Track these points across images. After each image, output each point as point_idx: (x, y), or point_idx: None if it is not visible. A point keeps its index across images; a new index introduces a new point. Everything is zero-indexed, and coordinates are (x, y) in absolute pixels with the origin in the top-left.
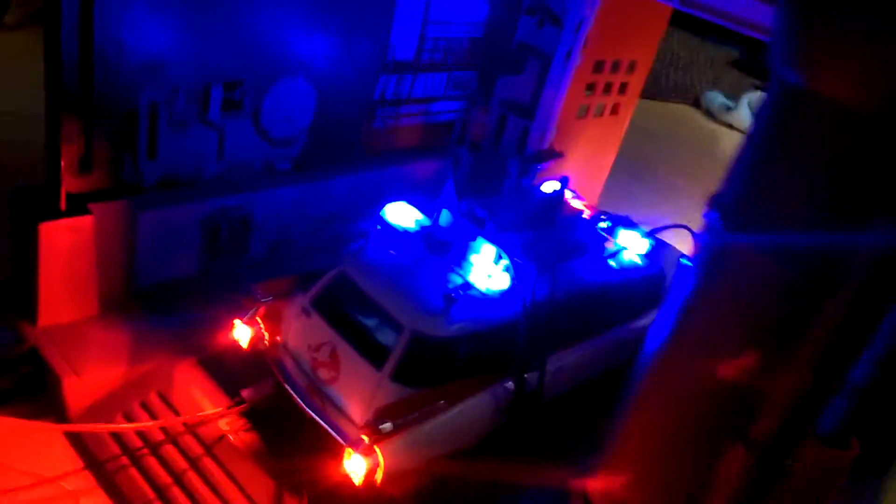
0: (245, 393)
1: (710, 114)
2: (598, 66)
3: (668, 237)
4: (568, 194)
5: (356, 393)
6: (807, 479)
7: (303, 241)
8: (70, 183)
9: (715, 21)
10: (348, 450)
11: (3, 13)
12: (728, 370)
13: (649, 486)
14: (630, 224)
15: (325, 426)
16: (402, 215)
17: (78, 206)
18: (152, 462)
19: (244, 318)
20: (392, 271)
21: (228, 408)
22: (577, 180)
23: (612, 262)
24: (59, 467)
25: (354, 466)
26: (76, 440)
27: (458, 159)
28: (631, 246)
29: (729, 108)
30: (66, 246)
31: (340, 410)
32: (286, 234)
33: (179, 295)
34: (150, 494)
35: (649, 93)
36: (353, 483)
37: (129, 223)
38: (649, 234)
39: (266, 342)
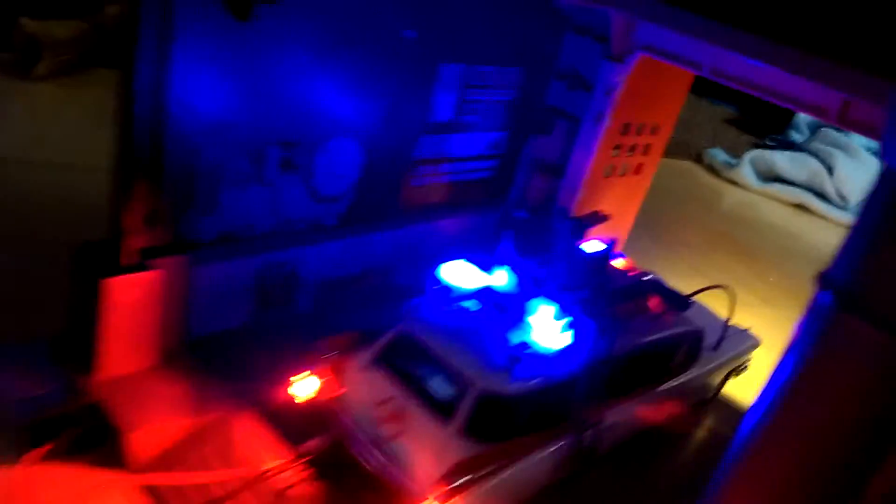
0: (305, 447)
1: (712, 170)
2: (626, 129)
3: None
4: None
5: (423, 448)
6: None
7: (345, 295)
8: (134, 239)
9: (738, 89)
10: (423, 503)
11: (34, 63)
12: (846, 431)
13: None
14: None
15: (393, 480)
16: (458, 274)
17: (141, 261)
18: None
19: (305, 373)
20: (454, 330)
21: (294, 459)
22: (600, 238)
23: (659, 322)
24: None
25: None
26: (153, 493)
27: (513, 221)
28: (675, 305)
29: (731, 165)
30: (129, 300)
31: (405, 465)
32: (330, 287)
33: (231, 346)
34: None
35: None
36: None
37: (187, 277)
38: (689, 297)
39: (328, 397)
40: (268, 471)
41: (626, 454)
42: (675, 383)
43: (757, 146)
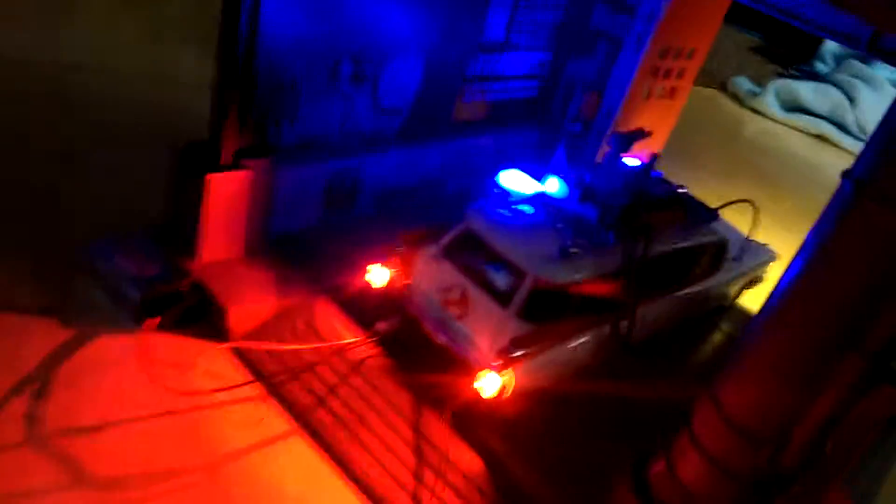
0: (379, 325)
1: (736, 98)
2: (664, 53)
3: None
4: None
5: (485, 326)
6: (867, 409)
7: (401, 203)
8: (230, 142)
9: (772, 14)
10: (484, 370)
11: None
12: (852, 292)
13: (774, 397)
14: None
15: (459, 352)
16: (515, 181)
17: (236, 161)
18: (308, 377)
19: (382, 262)
20: (511, 228)
21: (367, 336)
22: (640, 154)
23: (688, 231)
24: (234, 379)
25: (489, 384)
26: (243, 359)
27: (569, 134)
28: (701, 217)
29: (755, 94)
30: (227, 195)
31: (469, 341)
32: (388, 194)
33: (303, 242)
34: (312, 402)
35: None
36: (484, 399)
37: (271, 178)
38: (716, 209)
39: (399, 285)
40: (347, 344)
41: (654, 348)
42: (700, 287)
43: (782, 76)
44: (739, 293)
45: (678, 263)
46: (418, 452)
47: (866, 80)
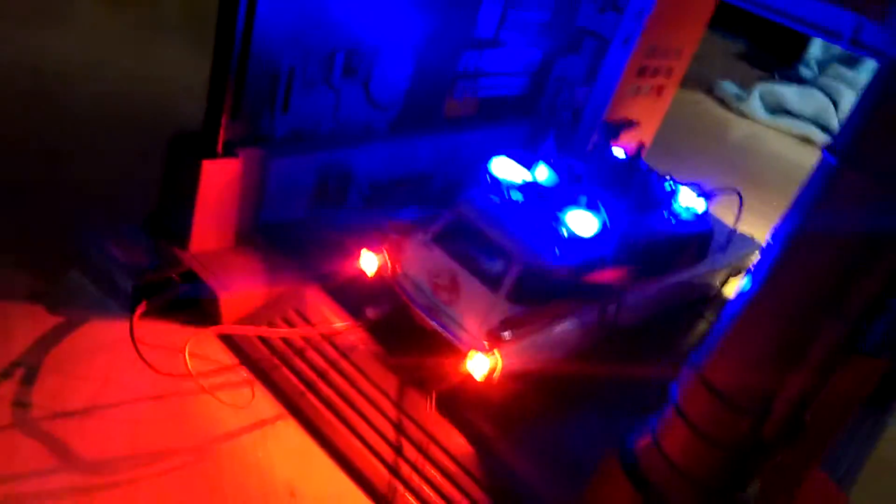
0: (369, 311)
1: (723, 102)
2: (651, 51)
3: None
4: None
5: (475, 310)
6: (847, 385)
7: (391, 195)
8: (223, 132)
9: (758, 13)
10: (472, 352)
11: None
12: (835, 265)
13: (756, 369)
14: (696, 187)
15: (448, 335)
16: (505, 169)
17: (228, 150)
18: (298, 363)
19: (371, 249)
20: (501, 215)
21: (356, 322)
22: (627, 145)
23: (672, 219)
24: (224, 364)
25: (477, 366)
26: (233, 345)
27: (559, 124)
28: (689, 205)
29: (741, 98)
30: (219, 183)
31: (459, 324)
32: (378, 187)
33: (293, 232)
34: (301, 387)
35: None
36: (472, 381)
37: (262, 168)
38: (706, 196)
39: (390, 270)
40: (337, 330)
41: (640, 333)
42: (686, 275)
43: (765, 80)
44: (725, 282)
45: (663, 251)
46: (406, 435)
47: (850, 84)
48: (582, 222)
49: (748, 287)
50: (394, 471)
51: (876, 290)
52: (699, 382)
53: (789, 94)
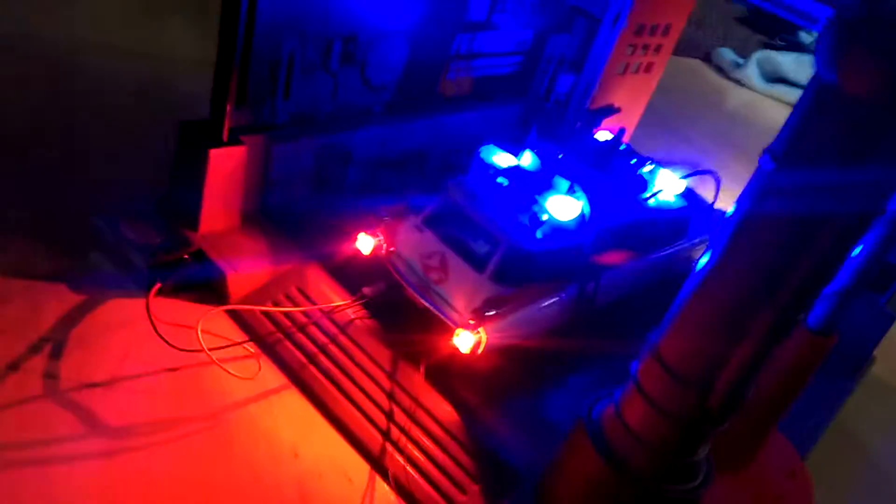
0: (365, 290)
1: (720, 70)
2: (640, 29)
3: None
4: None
5: (462, 289)
6: (796, 360)
7: (388, 175)
8: (229, 119)
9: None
10: (459, 329)
11: None
12: (771, 255)
13: (701, 347)
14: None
15: (438, 312)
16: (492, 155)
17: (234, 138)
18: (300, 338)
19: (368, 231)
20: (488, 199)
21: (354, 300)
22: (610, 127)
23: (651, 202)
24: (232, 338)
25: (463, 341)
26: (240, 320)
27: (542, 112)
28: (667, 188)
29: (738, 65)
30: (226, 169)
31: (447, 303)
32: (376, 166)
33: (295, 213)
34: (303, 360)
35: None
36: (460, 355)
37: (265, 153)
38: (686, 177)
39: (385, 251)
40: (336, 307)
41: (617, 311)
42: (664, 254)
43: (767, 46)
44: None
45: (641, 231)
46: (397, 402)
47: None
48: (563, 207)
49: (698, 269)
50: (385, 434)
51: (806, 278)
52: (653, 358)
53: (786, 61)
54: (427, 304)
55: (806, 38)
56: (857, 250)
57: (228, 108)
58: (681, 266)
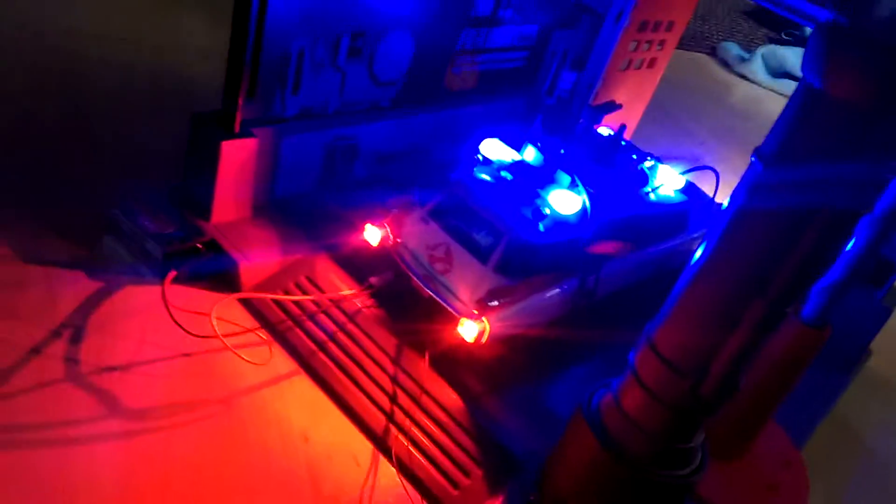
0: (373, 279)
1: (725, 64)
2: (643, 26)
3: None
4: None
5: (466, 280)
6: (790, 352)
7: (395, 167)
8: (241, 112)
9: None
10: (463, 318)
11: None
12: (762, 250)
13: (695, 337)
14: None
15: (443, 302)
16: (495, 149)
17: (245, 130)
18: (310, 325)
19: (375, 223)
20: (490, 192)
21: (362, 289)
22: (614, 124)
23: (652, 196)
24: (244, 325)
25: (467, 330)
26: (252, 308)
27: (543, 107)
28: (668, 183)
29: (743, 60)
30: (237, 161)
31: (452, 293)
32: (383, 158)
33: (305, 204)
34: (313, 347)
35: None
36: (464, 343)
37: (275, 146)
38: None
39: (391, 242)
40: (344, 296)
41: (618, 302)
42: (665, 247)
43: (772, 40)
44: None
45: (642, 225)
46: (403, 388)
47: None
48: (565, 201)
49: (693, 262)
50: (391, 419)
51: (796, 272)
52: (649, 348)
53: (791, 56)
54: (432, 294)
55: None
56: (849, 245)
57: (240, 101)
58: (681, 259)
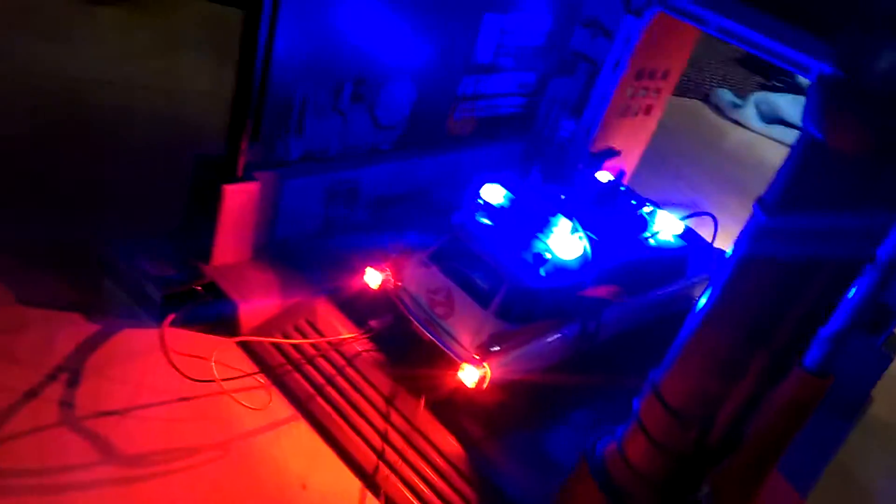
0: (373, 323)
1: (719, 110)
2: (640, 74)
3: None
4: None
5: (467, 325)
6: (793, 401)
7: (395, 211)
8: (243, 156)
9: (742, 48)
10: (464, 363)
11: None
12: (765, 299)
13: (700, 386)
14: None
15: (443, 347)
16: (495, 194)
17: (247, 174)
18: (308, 369)
19: (375, 266)
20: (491, 237)
21: (362, 332)
22: (612, 170)
23: (651, 241)
24: (243, 369)
25: (468, 375)
26: (251, 352)
27: (545, 153)
28: (666, 228)
29: (737, 106)
30: (239, 204)
31: (453, 337)
32: (384, 203)
33: (305, 247)
34: (311, 391)
35: None
36: (464, 388)
37: (277, 189)
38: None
39: (392, 285)
40: (344, 340)
41: (619, 347)
42: (664, 292)
43: (765, 87)
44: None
45: (642, 270)
46: (402, 434)
47: None
48: (566, 247)
49: (697, 310)
50: (390, 465)
51: (800, 321)
52: (654, 397)
53: (784, 103)
54: (433, 338)
55: (803, 80)
56: (851, 293)
57: (243, 145)
58: (681, 303)
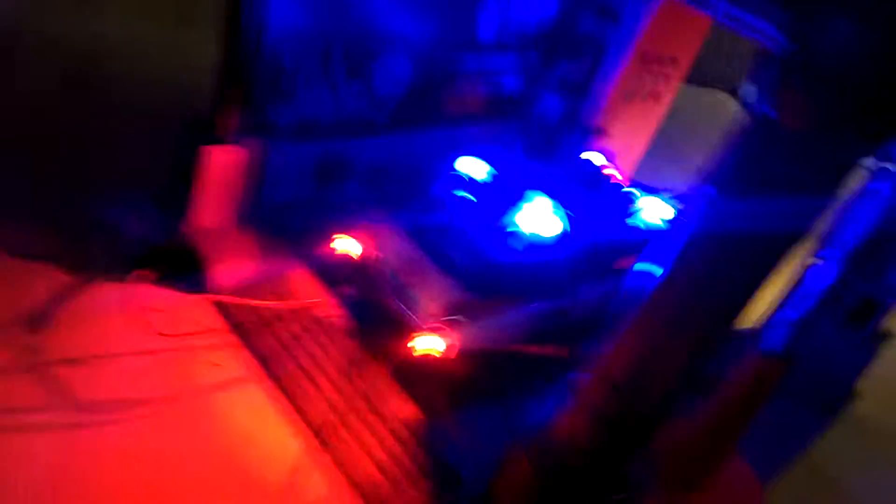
0: (344, 289)
1: (745, 105)
2: (646, 59)
3: None
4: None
5: (434, 294)
6: (747, 386)
7: (387, 183)
8: (231, 121)
9: (746, 34)
10: (429, 333)
11: None
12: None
13: (639, 364)
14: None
15: (411, 316)
16: (474, 167)
17: (234, 138)
18: (278, 330)
19: (353, 235)
20: (468, 209)
21: (333, 298)
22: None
23: (633, 223)
24: (212, 327)
25: (433, 343)
26: (223, 311)
27: (529, 129)
28: (652, 211)
29: None
30: (223, 168)
31: (421, 307)
32: (375, 176)
33: (290, 215)
34: (278, 349)
35: (694, 79)
36: (429, 357)
37: (263, 156)
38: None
39: (367, 254)
40: (316, 304)
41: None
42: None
43: None
44: None
45: (619, 252)
46: (365, 399)
47: None
48: (542, 222)
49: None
50: (347, 425)
51: (735, 295)
52: (594, 367)
53: None
54: (402, 307)
55: None
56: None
57: (230, 109)
58: None
